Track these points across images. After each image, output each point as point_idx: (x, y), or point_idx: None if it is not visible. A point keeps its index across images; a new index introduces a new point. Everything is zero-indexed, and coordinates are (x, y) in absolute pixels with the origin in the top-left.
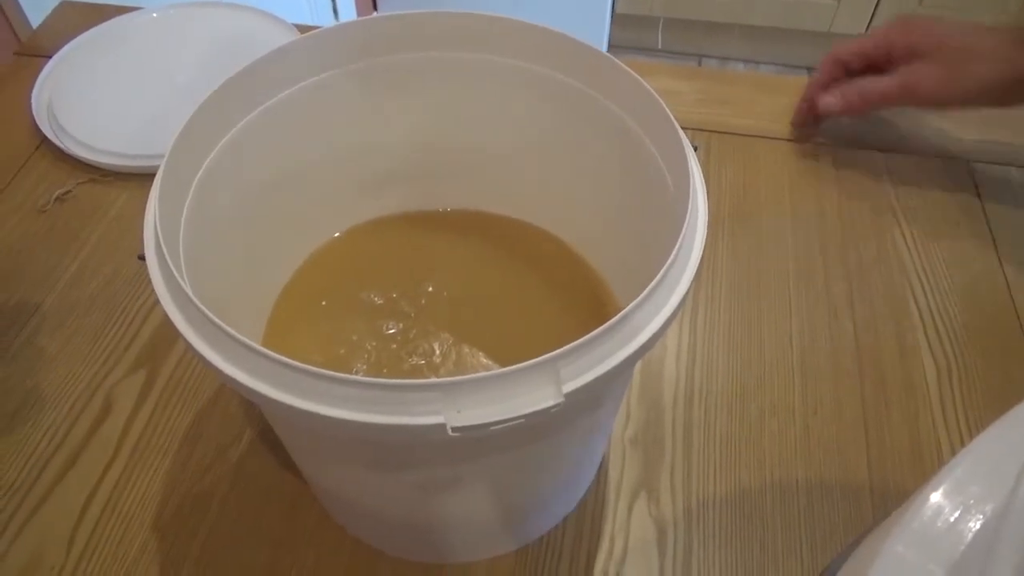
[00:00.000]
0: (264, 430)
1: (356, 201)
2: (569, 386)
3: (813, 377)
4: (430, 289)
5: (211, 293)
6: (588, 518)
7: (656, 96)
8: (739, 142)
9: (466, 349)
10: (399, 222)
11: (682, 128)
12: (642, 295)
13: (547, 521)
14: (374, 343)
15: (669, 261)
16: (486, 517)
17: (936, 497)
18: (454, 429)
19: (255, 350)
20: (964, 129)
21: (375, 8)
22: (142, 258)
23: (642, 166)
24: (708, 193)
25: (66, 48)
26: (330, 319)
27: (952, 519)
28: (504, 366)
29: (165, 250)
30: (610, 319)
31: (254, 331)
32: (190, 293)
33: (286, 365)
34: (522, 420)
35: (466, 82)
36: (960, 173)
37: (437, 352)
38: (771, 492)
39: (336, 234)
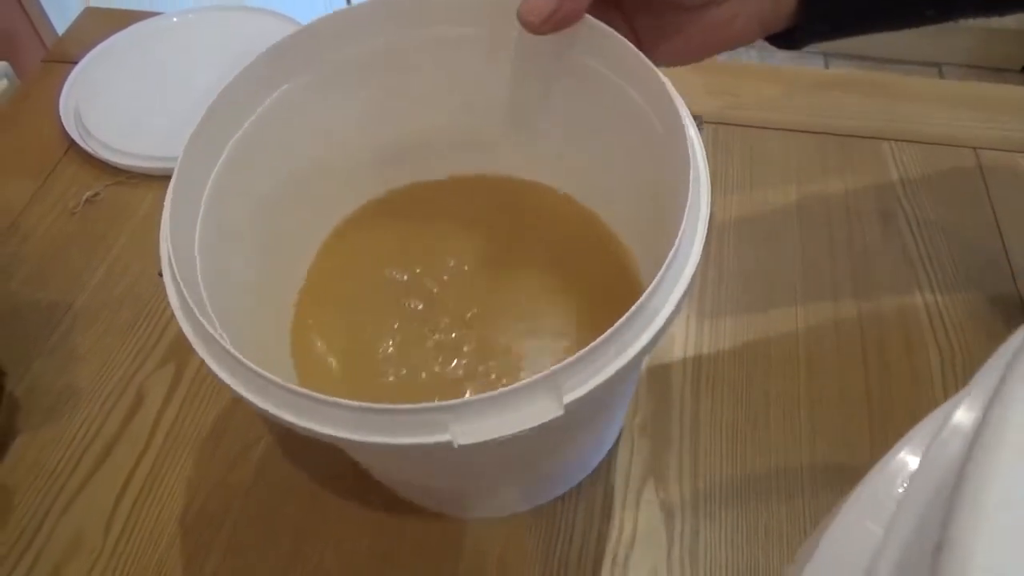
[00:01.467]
0: None
1: (369, 177)
2: (569, 397)
3: (818, 366)
4: (451, 263)
5: (237, 278)
6: (598, 501)
7: (665, 82)
8: (746, 132)
9: (489, 323)
10: (413, 193)
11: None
12: (635, 305)
13: (564, 486)
14: (398, 323)
15: (659, 276)
16: (502, 489)
17: (888, 467)
18: (460, 446)
19: (271, 381)
20: (970, 116)
21: None
22: (162, 275)
23: (644, 134)
24: (715, 184)
25: (91, 54)
26: (355, 300)
27: (902, 486)
28: (527, 337)
29: (182, 286)
30: (626, 277)
31: (281, 319)
32: (208, 326)
33: (298, 394)
34: (524, 432)
35: (474, 56)
36: (966, 161)
37: (460, 328)
38: (776, 478)
39: (352, 211)
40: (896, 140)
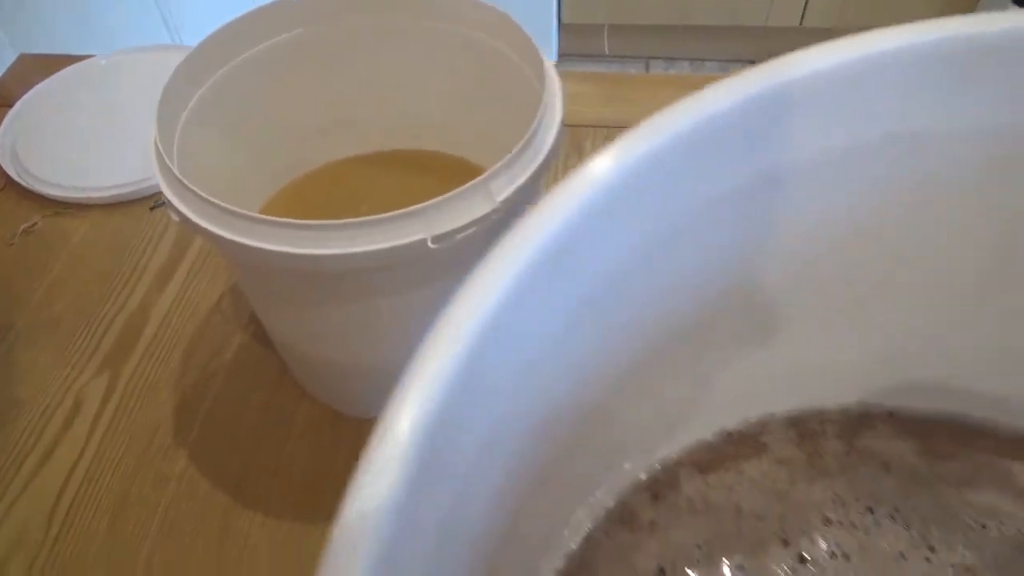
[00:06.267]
0: (212, 410)
1: (298, 153)
2: (501, 196)
3: None
4: (364, 208)
5: None
6: None
7: (515, 22)
8: None
9: None
10: (334, 168)
11: (588, 126)
12: (535, 121)
13: None
14: None
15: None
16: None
17: None
18: (433, 240)
19: (258, 219)
20: None
21: None
22: (155, 206)
23: (518, 85)
24: None
25: (25, 97)
26: None
27: None
28: None
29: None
30: None
31: None
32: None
33: (295, 225)
34: (474, 227)
35: (379, 43)
36: None
37: None
38: None
39: (284, 183)
40: None
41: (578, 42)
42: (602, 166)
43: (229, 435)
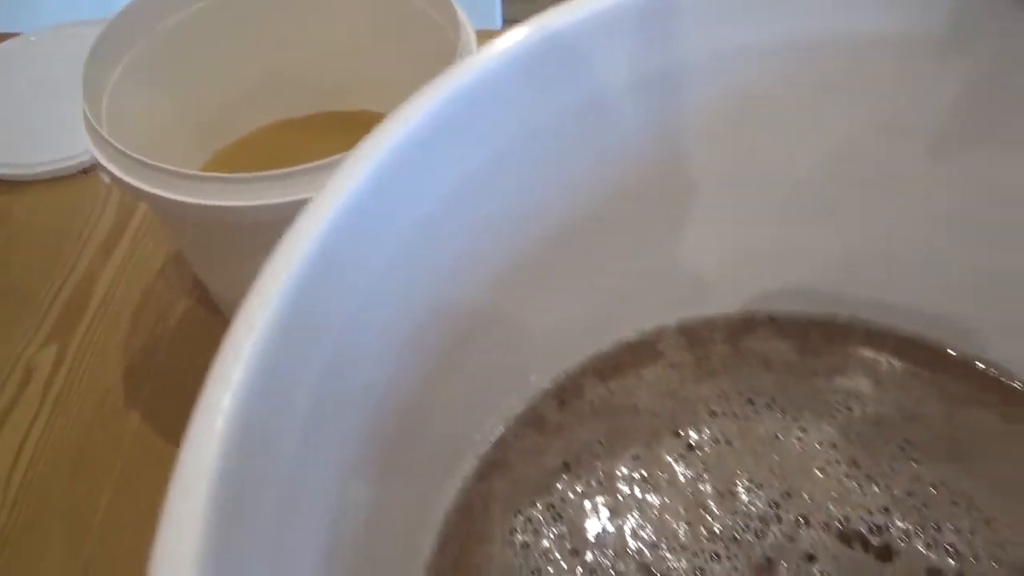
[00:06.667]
0: (161, 372)
1: (230, 118)
2: None
3: None
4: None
5: None
6: None
7: None
8: None
9: None
10: (267, 132)
11: None
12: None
13: None
14: None
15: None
16: None
17: None
18: None
19: (202, 176)
20: None
21: None
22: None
23: (442, 44)
24: None
25: None
26: None
27: None
28: None
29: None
30: None
31: None
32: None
33: (219, 179)
34: None
35: (306, 4)
36: None
37: None
38: None
39: (218, 148)
40: None
41: (523, 8)
42: (493, 50)
43: (179, 394)
